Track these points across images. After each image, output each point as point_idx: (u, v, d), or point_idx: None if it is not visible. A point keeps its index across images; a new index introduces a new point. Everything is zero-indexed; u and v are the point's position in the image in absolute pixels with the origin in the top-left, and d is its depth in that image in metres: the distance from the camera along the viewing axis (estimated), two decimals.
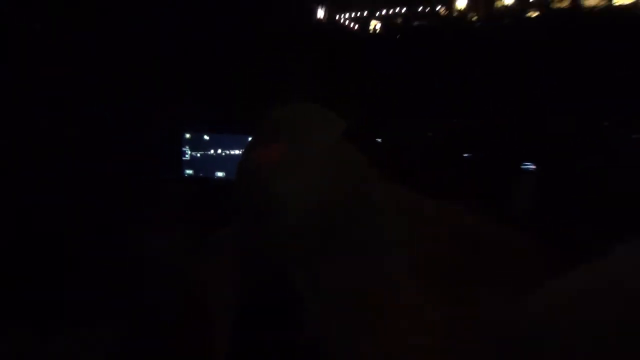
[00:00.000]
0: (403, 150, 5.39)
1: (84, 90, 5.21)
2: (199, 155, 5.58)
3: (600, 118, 6.01)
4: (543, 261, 0.98)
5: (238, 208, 1.08)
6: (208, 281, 1.13)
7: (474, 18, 8.45)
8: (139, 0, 5.91)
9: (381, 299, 0.93)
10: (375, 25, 9.34)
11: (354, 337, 0.92)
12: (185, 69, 6.05)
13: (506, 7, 8.20)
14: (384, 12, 9.25)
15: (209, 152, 5.58)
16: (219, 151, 5.54)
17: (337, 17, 9.33)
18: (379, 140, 5.39)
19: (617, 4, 7.65)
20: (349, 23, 9.44)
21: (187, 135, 5.59)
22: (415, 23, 9.03)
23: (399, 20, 9.16)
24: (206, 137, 5.59)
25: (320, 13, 9.07)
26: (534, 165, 5.27)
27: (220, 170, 5.47)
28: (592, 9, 7.81)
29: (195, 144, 5.61)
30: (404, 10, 9.03)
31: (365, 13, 9.37)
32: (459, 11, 8.52)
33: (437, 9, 8.72)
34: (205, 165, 5.56)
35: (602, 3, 7.70)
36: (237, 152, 5.26)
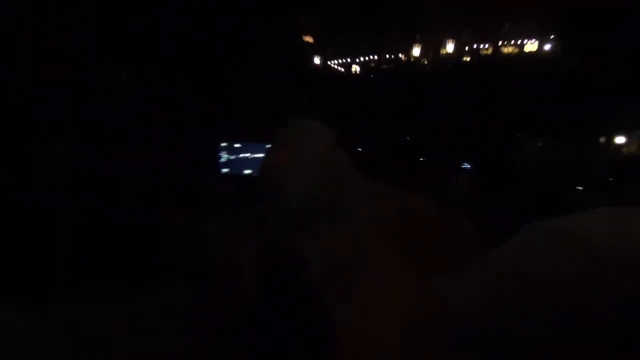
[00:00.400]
0: (375, 154, 5.44)
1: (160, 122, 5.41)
2: (232, 158, 5.68)
3: (515, 131, 6.05)
4: (474, 236, 0.99)
5: (260, 194, 1.11)
6: (240, 245, 1.15)
7: (425, 62, 8.46)
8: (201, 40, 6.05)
9: (355, 259, 0.95)
10: (355, 68, 9.37)
11: (339, 292, 0.93)
12: (225, 103, 6.21)
13: (448, 54, 8.21)
14: (361, 58, 9.29)
15: (239, 156, 5.66)
16: (247, 155, 5.63)
17: (329, 62, 9.39)
18: (359, 148, 5.43)
19: (526, 50, 7.67)
20: (337, 66, 9.47)
21: (223, 144, 5.67)
22: (384, 66, 9.06)
23: (372, 64, 9.19)
24: (237, 145, 5.67)
25: (317, 60, 9.17)
26: (470, 165, 5.31)
27: (247, 169, 5.50)
28: (509, 55, 7.83)
29: (229, 150, 5.72)
30: (375, 57, 9.08)
31: (348, 59, 9.41)
32: (415, 57, 8.53)
33: (399, 55, 8.75)
34: (237, 165, 5.61)
35: (516, 51, 7.75)
36: (259, 155, 5.30)
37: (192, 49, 6.05)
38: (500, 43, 7.89)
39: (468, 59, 8.10)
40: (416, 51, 8.43)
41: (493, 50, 7.98)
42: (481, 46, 8.07)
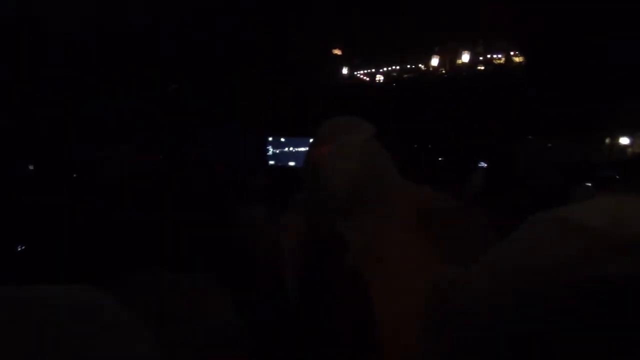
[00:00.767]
0: (398, 155, 5.38)
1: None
2: (278, 151, 5.70)
3: (526, 133, 5.91)
4: (488, 229, 0.94)
5: (304, 183, 1.08)
6: (284, 232, 1.14)
7: (443, 71, 8.36)
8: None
9: (386, 245, 0.92)
10: (379, 77, 9.33)
11: (370, 274, 0.90)
12: (276, 105, 6.47)
13: (464, 63, 8.09)
14: (384, 69, 9.25)
15: (284, 149, 5.69)
16: (291, 148, 5.64)
17: (355, 73, 9.41)
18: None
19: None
20: (363, 76, 9.46)
21: (270, 138, 5.74)
22: (405, 75, 9.01)
23: (394, 73, 9.15)
24: (282, 139, 5.72)
25: (345, 71, 9.21)
26: (486, 164, 5.17)
27: (292, 161, 5.52)
28: (520, 64, 7.67)
29: (276, 144, 5.73)
30: (397, 67, 9.04)
31: (373, 70, 9.38)
32: (433, 67, 8.44)
33: (419, 65, 8.68)
34: (282, 157, 5.65)
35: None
36: (303, 149, 5.30)
37: (250, 60, 6.35)
38: (512, 53, 7.71)
39: (482, 68, 7.96)
40: (435, 61, 8.32)
41: (505, 60, 7.82)
42: (494, 56, 7.91)
